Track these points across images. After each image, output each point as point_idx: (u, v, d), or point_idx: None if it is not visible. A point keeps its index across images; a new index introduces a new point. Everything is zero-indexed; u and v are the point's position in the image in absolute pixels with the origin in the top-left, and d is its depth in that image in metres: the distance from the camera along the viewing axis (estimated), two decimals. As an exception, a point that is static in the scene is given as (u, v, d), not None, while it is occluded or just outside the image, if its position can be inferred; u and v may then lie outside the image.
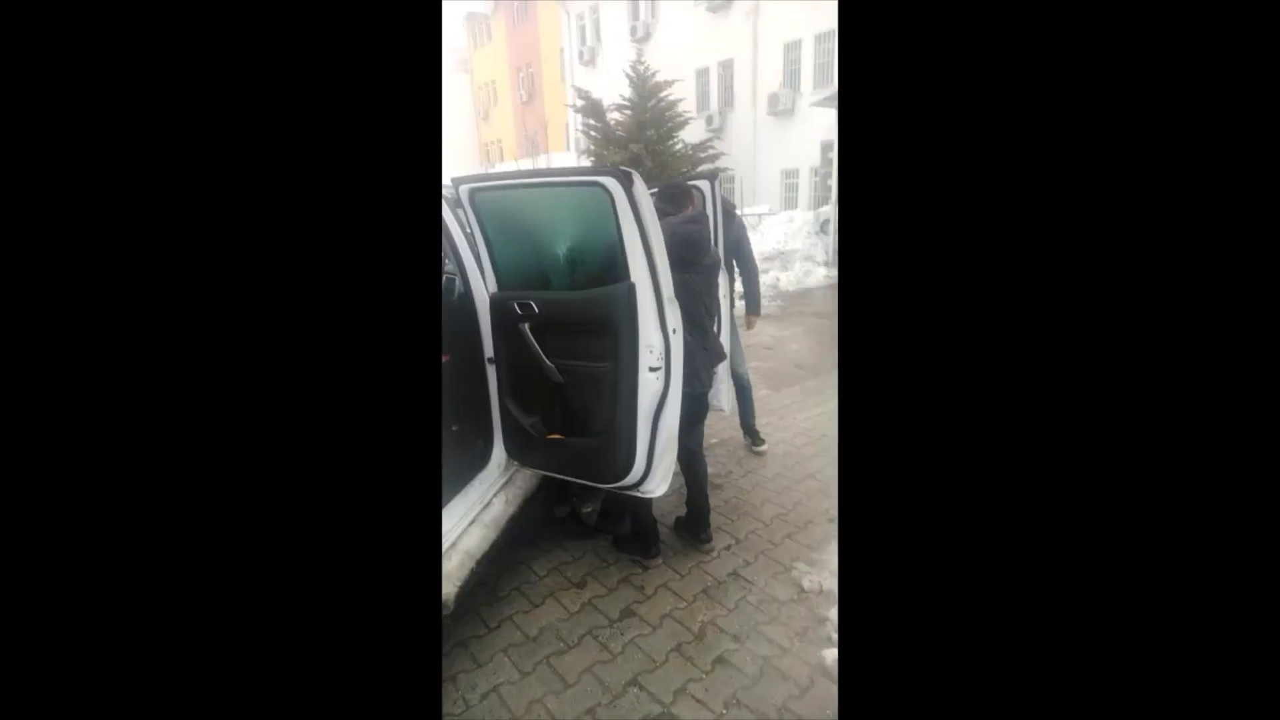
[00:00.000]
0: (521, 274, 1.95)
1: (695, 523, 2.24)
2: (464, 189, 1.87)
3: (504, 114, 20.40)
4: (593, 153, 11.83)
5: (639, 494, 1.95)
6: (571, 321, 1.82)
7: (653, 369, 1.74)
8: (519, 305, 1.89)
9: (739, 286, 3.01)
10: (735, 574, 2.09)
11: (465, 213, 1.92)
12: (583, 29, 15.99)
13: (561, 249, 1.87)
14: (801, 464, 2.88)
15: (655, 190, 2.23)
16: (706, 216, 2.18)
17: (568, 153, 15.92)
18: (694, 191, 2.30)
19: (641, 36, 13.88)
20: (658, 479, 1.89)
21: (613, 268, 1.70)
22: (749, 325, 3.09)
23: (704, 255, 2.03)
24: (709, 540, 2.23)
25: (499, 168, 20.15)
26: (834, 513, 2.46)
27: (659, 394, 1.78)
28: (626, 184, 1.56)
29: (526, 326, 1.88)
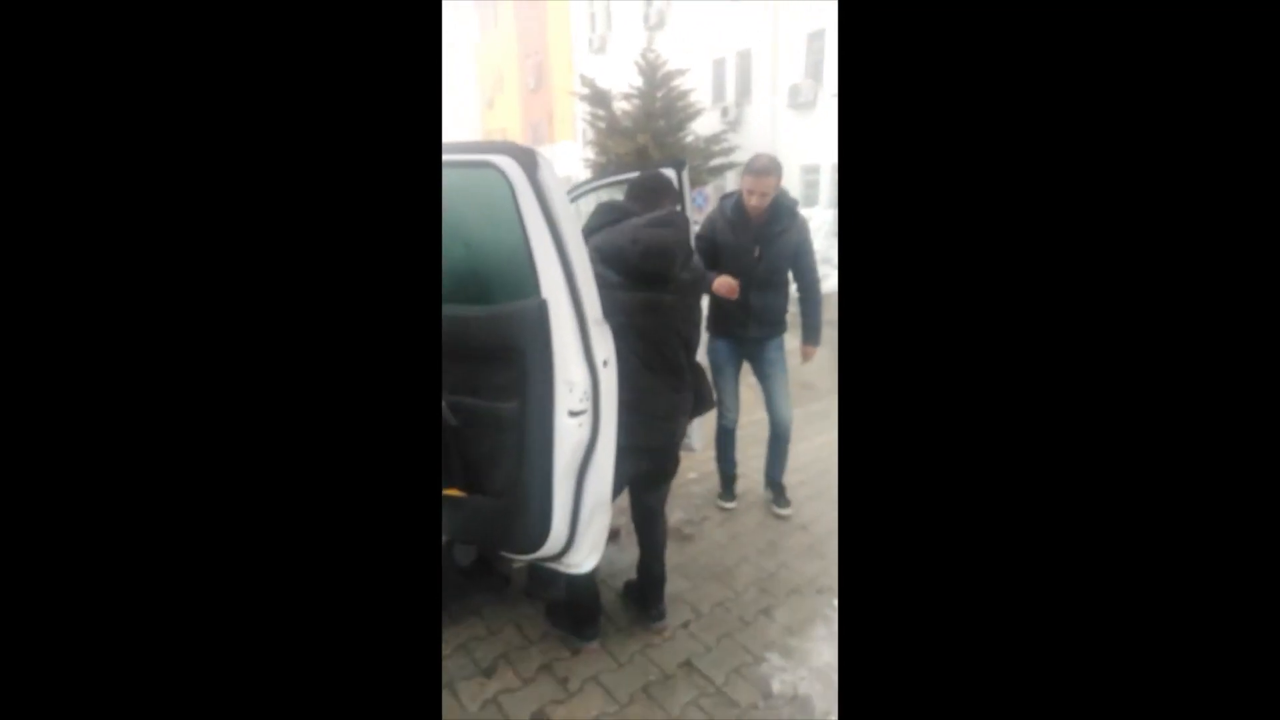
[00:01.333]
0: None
1: (646, 594, 1.80)
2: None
3: (510, 102, 19.94)
4: (597, 143, 11.40)
5: (561, 568, 1.51)
6: (470, 346, 1.37)
7: (574, 413, 1.30)
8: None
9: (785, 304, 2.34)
10: (689, 665, 1.65)
11: None
12: (593, 15, 15.50)
13: (454, 250, 1.42)
14: (794, 512, 2.42)
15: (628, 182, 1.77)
16: (684, 217, 1.59)
17: (574, 142, 15.46)
18: (671, 187, 1.76)
19: (655, 24, 13.37)
20: (584, 550, 1.46)
21: (519, 277, 1.26)
22: (805, 357, 2.35)
23: (677, 267, 1.49)
24: (661, 618, 1.79)
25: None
26: (826, 581, 2.00)
27: (583, 444, 1.34)
28: (529, 166, 1.12)
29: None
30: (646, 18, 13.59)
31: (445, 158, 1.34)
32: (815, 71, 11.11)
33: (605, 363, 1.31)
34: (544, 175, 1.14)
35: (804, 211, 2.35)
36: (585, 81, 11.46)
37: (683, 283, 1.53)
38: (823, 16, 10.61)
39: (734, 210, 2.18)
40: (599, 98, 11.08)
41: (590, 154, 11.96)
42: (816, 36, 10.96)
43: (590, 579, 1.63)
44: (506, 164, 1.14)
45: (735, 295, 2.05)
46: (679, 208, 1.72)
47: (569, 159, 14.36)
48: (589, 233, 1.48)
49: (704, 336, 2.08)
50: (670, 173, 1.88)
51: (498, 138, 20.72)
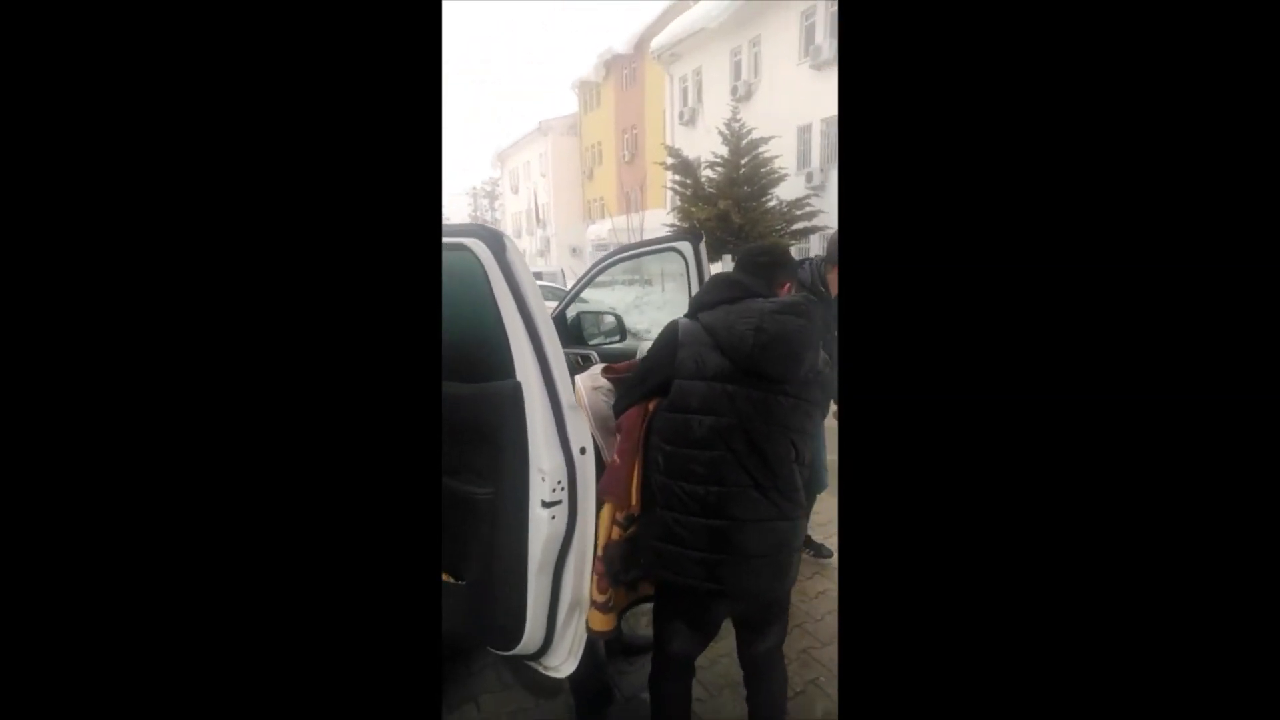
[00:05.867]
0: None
1: None
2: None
3: (608, 173, 21.20)
4: (681, 209, 11.72)
5: (542, 670, 1.39)
6: (453, 424, 1.34)
7: (546, 504, 1.21)
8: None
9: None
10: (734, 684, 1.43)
11: None
12: (685, 90, 16.32)
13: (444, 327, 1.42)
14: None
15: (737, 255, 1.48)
16: (818, 305, 1.31)
17: (663, 209, 16.03)
18: (792, 261, 1.46)
19: (742, 96, 13.83)
20: (562, 653, 1.34)
21: (495, 357, 1.22)
22: None
23: (804, 368, 1.18)
24: None
25: (597, 224, 20.85)
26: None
27: (557, 539, 1.24)
28: (496, 248, 1.11)
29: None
30: (734, 90, 14.09)
31: None
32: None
33: (583, 450, 1.22)
34: (511, 257, 1.12)
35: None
36: (671, 151, 11.94)
37: (804, 382, 1.19)
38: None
39: (812, 282, 2.05)
40: (684, 166, 11.48)
41: (674, 219, 12.29)
42: (907, 100, 10.80)
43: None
44: (477, 246, 1.13)
45: None
46: (807, 292, 1.55)
47: (656, 225, 14.89)
48: (700, 307, 1.24)
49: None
50: (684, 244, 1.81)
51: (596, 207, 21.99)
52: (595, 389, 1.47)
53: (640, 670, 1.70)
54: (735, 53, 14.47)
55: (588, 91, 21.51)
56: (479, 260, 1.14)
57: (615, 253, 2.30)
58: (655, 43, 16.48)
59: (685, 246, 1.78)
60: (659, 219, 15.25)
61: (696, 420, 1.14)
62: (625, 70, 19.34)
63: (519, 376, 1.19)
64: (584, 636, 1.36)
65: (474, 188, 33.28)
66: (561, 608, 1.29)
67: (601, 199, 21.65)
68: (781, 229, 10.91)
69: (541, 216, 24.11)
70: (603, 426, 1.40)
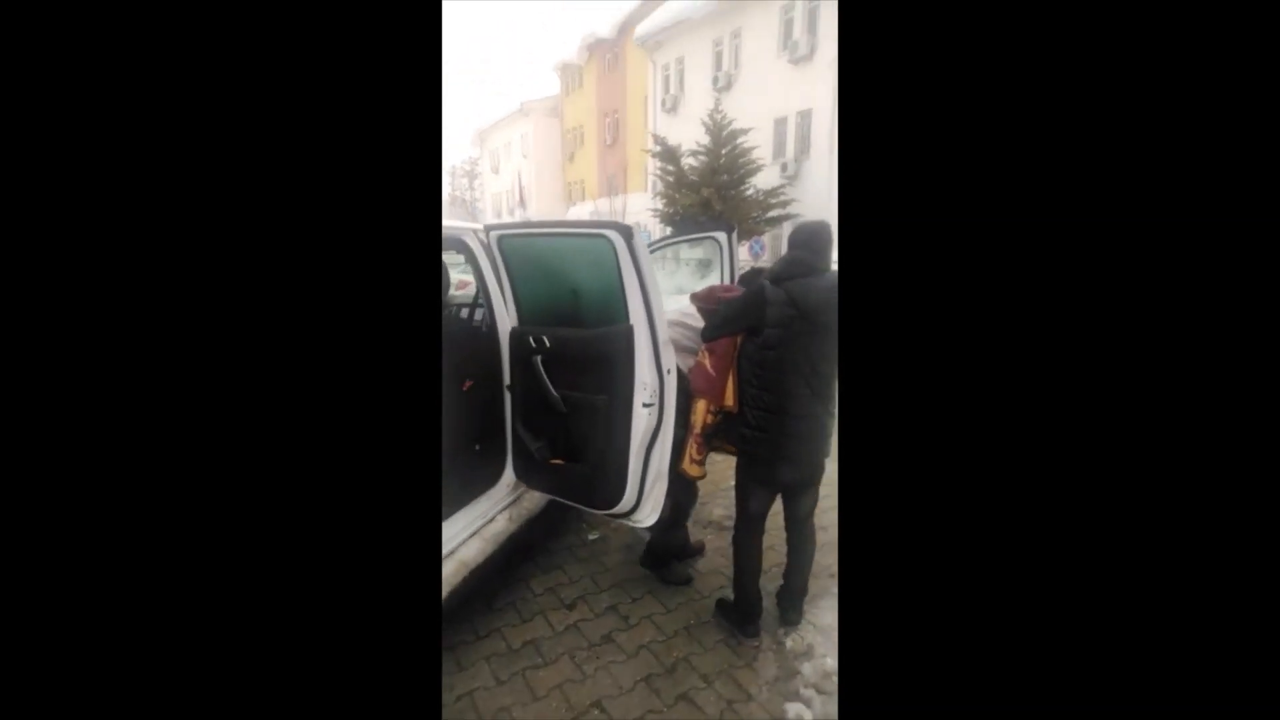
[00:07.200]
0: (538, 311, 2.14)
1: (786, 602, 2.08)
2: (494, 235, 2.10)
3: (588, 157, 21.46)
4: (665, 195, 12.23)
5: (631, 523, 2.04)
6: (577, 357, 1.97)
7: (646, 405, 1.86)
8: (534, 339, 2.07)
9: None
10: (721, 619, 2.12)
11: (494, 255, 2.14)
12: (668, 78, 16.73)
13: (573, 291, 2.05)
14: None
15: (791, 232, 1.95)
16: None
17: (645, 194, 16.49)
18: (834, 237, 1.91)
19: (723, 86, 14.32)
20: (648, 509, 1.98)
21: (615, 310, 1.85)
22: None
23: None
24: (795, 623, 2.05)
25: (578, 205, 21.15)
26: (836, 569, 2.42)
27: (651, 429, 1.88)
28: (627, 237, 1.73)
29: (538, 359, 2.05)
30: (715, 80, 14.55)
31: (575, 230, 1.99)
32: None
33: (669, 371, 1.86)
34: (635, 243, 1.73)
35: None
36: (657, 140, 12.41)
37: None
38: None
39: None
40: (668, 154, 11.97)
41: (659, 205, 12.80)
42: (877, 98, 11.48)
43: (752, 577, 2.01)
44: (613, 235, 1.75)
45: None
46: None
47: (639, 208, 15.34)
48: (777, 279, 1.77)
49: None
50: (720, 234, 2.45)
51: (577, 189, 22.21)
52: (672, 326, 2.12)
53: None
54: (717, 43, 14.90)
55: (570, 74, 21.65)
56: (613, 245, 1.76)
57: (663, 239, 2.92)
58: (639, 30, 16.74)
59: (721, 236, 2.42)
60: (642, 203, 15.70)
61: (773, 352, 1.78)
62: (608, 55, 19.54)
63: (631, 321, 1.82)
64: (663, 498, 2.01)
65: (453, 166, 32.87)
66: (649, 477, 1.93)
67: (582, 181, 21.93)
68: (758, 216, 11.58)
69: (523, 198, 24.20)
70: (679, 351, 2.06)
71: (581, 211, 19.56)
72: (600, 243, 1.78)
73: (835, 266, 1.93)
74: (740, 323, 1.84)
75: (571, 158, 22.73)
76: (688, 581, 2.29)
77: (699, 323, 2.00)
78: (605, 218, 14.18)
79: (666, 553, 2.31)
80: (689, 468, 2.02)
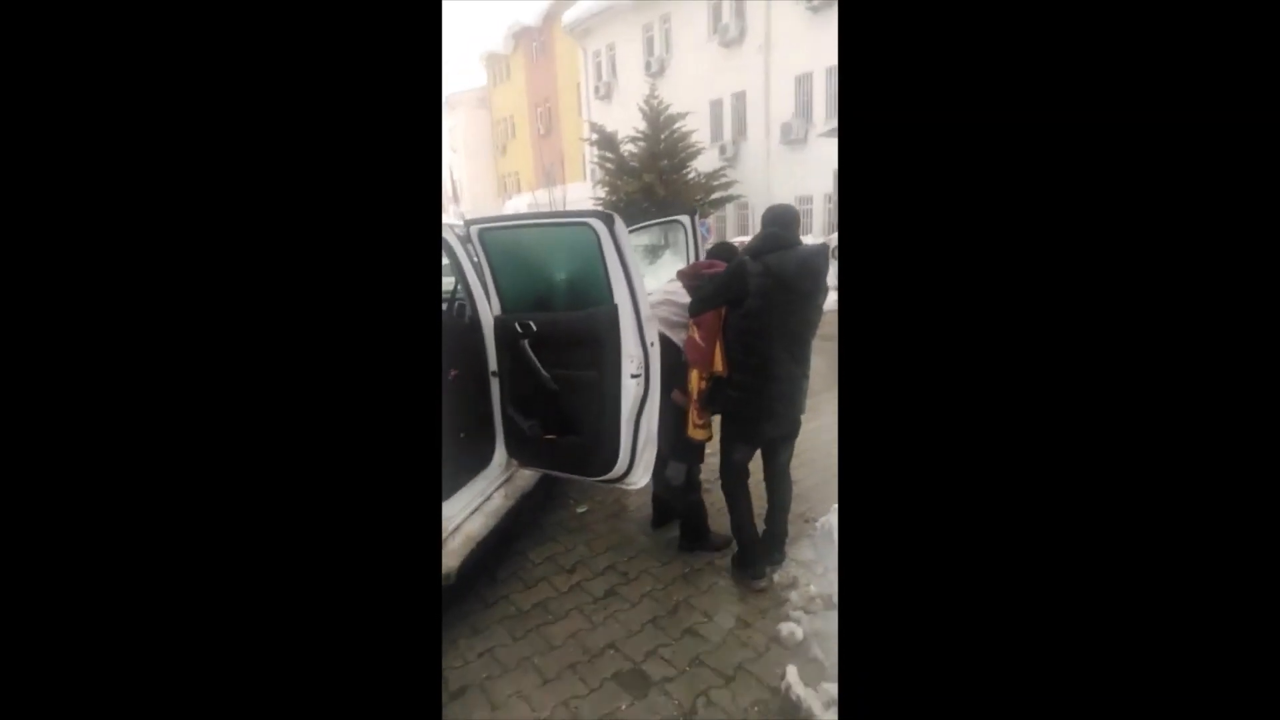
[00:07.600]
0: (521, 298, 2.26)
1: (769, 545, 2.25)
2: (474, 228, 2.20)
3: (522, 147, 21.22)
4: (607, 183, 12.30)
5: (624, 486, 2.21)
6: (564, 337, 2.12)
7: (633, 375, 2.02)
8: (519, 325, 2.19)
9: None
10: (711, 564, 2.33)
11: (474, 248, 2.24)
12: (599, 65, 16.71)
13: (556, 277, 2.18)
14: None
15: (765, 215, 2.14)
16: (824, 247, 2.10)
17: (584, 183, 16.48)
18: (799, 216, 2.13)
19: (656, 71, 14.46)
20: (639, 472, 2.16)
21: (599, 291, 2.01)
22: None
23: (820, 284, 2.00)
24: (780, 562, 2.23)
25: (515, 199, 20.90)
26: (811, 514, 2.69)
27: (639, 398, 2.05)
28: (609, 224, 1.88)
29: (525, 343, 2.18)
30: (648, 65, 14.66)
31: (558, 220, 2.13)
32: (804, 110, 12.04)
33: (652, 344, 2.03)
34: (617, 229, 1.89)
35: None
36: (594, 128, 12.43)
37: (821, 291, 2.02)
38: (809, 60, 11.59)
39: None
40: (607, 141, 12.01)
41: (601, 193, 12.85)
42: (804, 79, 11.91)
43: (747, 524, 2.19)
44: (595, 223, 1.89)
45: None
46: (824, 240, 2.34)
47: (580, 198, 15.33)
48: (756, 254, 1.95)
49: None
50: (684, 218, 2.63)
51: (511, 182, 21.86)
52: (657, 305, 2.28)
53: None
54: (647, 29, 15.00)
55: (496, 65, 21.22)
56: (595, 232, 1.90)
57: (634, 226, 3.06)
58: (567, 17, 16.59)
59: (685, 219, 2.60)
60: (583, 193, 15.68)
61: (756, 320, 1.96)
62: (534, 43, 19.29)
63: (616, 300, 1.97)
64: (653, 460, 2.20)
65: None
66: (640, 442, 2.11)
67: (517, 173, 21.66)
68: (701, 198, 11.84)
69: (456, 193, 23.65)
70: (665, 325, 2.22)
71: (519, 204, 19.39)
72: (584, 231, 1.92)
73: (805, 241, 2.16)
74: (725, 296, 2.02)
75: (504, 150, 22.37)
76: (729, 544, 2.34)
77: (687, 299, 2.18)
78: (545, 209, 14.15)
79: (698, 520, 2.42)
80: (694, 432, 2.19)
